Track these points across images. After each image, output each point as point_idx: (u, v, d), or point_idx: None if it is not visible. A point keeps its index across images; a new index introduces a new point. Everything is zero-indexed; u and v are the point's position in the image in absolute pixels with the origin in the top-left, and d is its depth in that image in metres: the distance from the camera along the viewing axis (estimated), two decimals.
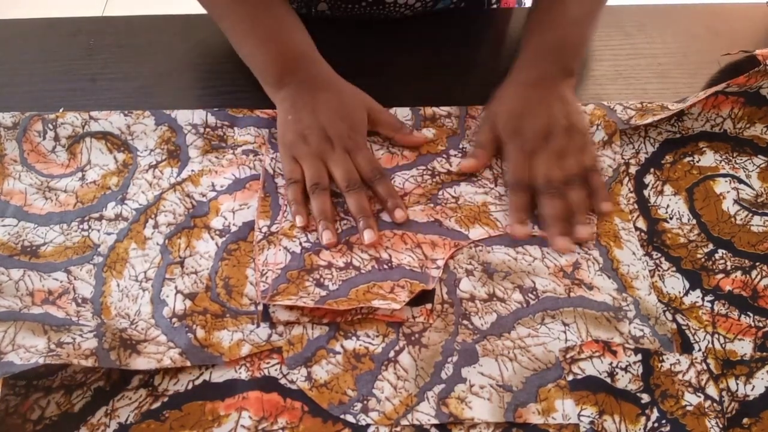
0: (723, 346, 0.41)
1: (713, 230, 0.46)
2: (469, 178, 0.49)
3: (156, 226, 0.46)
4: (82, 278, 0.43)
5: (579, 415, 0.37)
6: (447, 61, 0.57)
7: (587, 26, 0.52)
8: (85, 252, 0.44)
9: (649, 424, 0.37)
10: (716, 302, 0.43)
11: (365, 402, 0.38)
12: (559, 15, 0.51)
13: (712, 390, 0.38)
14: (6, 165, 0.49)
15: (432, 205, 0.47)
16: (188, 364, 0.39)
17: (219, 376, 0.39)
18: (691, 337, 0.41)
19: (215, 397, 0.38)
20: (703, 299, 0.43)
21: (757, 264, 0.44)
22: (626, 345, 0.40)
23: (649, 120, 0.49)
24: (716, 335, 0.41)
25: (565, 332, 0.41)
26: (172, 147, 0.50)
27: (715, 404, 0.38)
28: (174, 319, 0.41)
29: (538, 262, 0.44)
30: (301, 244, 0.45)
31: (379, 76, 0.55)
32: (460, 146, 0.50)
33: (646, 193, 0.48)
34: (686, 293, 0.43)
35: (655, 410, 0.38)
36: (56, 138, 0.50)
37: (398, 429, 0.37)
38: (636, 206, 0.47)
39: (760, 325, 0.42)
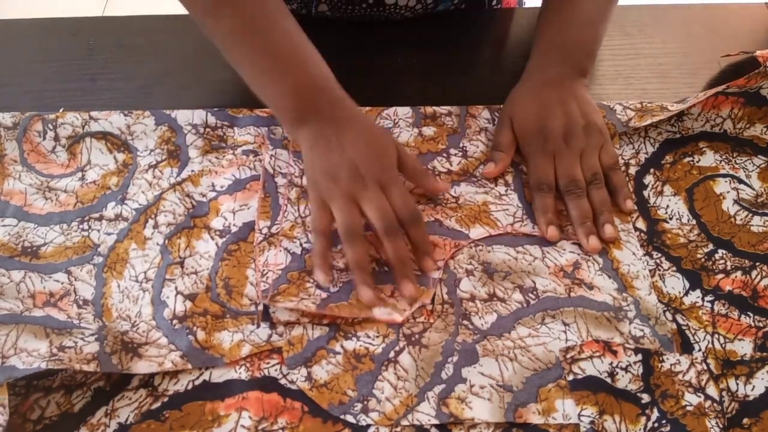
0: (723, 346, 0.41)
1: (713, 230, 0.46)
2: (470, 177, 0.49)
3: (156, 226, 0.46)
4: (82, 279, 0.43)
5: (579, 415, 0.37)
6: (447, 61, 0.57)
7: (599, 25, 0.52)
8: (85, 252, 0.44)
9: (650, 424, 0.37)
10: (716, 302, 0.43)
11: (365, 402, 0.38)
12: (571, 15, 0.52)
13: (712, 390, 0.38)
14: (6, 165, 0.49)
15: (432, 204, 0.47)
16: (189, 367, 0.39)
17: (219, 376, 0.39)
18: (691, 337, 0.41)
19: (215, 398, 0.38)
20: (703, 299, 0.43)
21: (757, 264, 0.44)
22: (626, 345, 0.40)
23: (648, 122, 0.49)
24: (716, 335, 0.41)
25: (565, 332, 0.41)
26: (172, 147, 0.50)
27: (715, 404, 0.38)
28: (175, 321, 0.41)
29: (539, 262, 0.44)
30: (301, 245, 0.45)
31: (379, 76, 0.55)
32: (461, 145, 0.50)
33: (645, 193, 0.48)
34: (686, 293, 0.43)
35: (655, 410, 0.38)
36: (56, 138, 0.50)
37: (398, 429, 0.37)
38: (635, 207, 0.47)
39: (760, 325, 0.42)
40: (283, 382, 0.39)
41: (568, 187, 0.46)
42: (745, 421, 0.38)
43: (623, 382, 0.38)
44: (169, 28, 0.59)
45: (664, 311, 0.42)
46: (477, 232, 0.45)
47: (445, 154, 0.50)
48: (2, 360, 0.39)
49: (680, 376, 0.39)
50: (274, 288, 0.42)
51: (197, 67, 0.56)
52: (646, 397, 0.38)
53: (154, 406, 0.38)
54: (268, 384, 0.39)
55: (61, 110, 0.52)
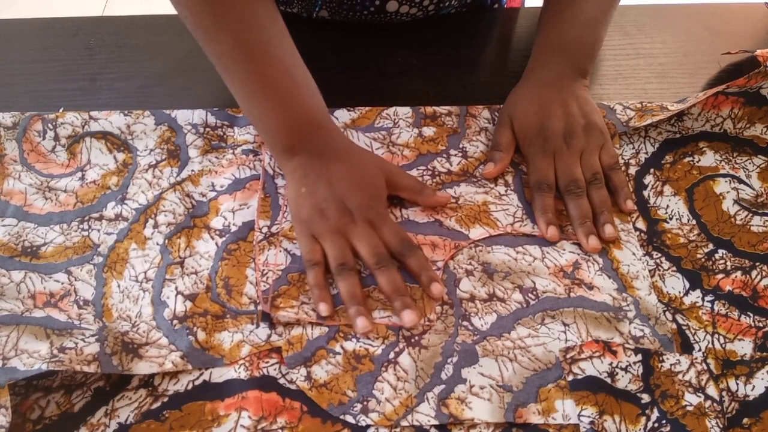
0: (723, 346, 0.41)
1: (713, 230, 0.46)
2: (470, 177, 0.49)
3: (156, 225, 0.46)
4: (82, 279, 0.43)
5: (579, 416, 0.37)
6: (447, 61, 0.57)
7: (600, 26, 0.52)
8: (85, 252, 0.44)
9: (650, 425, 0.37)
10: (716, 302, 0.43)
11: (365, 403, 0.38)
12: (571, 15, 0.52)
13: (712, 390, 0.38)
14: (6, 165, 0.49)
15: None
16: (189, 367, 0.39)
17: (219, 376, 0.39)
18: (691, 337, 0.41)
19: (215, 397, 0.38)
20: (703, 299, 0.43)
21: (757, 264, 0.44)
22: (626, 345, 0.40)
23: (648, 122, 0.49)
24: (716, 335, 0.41)
25: (565, 332, 0.41)
26: (172, 147, 0.50)
27: (715, 404, 0.38)
28: (175, 321, 0.41)
29: (538, 262, 0.44)
30: None
31: (379, 76, 0.55)
32: (461, 145, 0.50)
33: (645, 193, 0.48)
34: (686, 293, 0.43)
35: (655, 410, 0.38)
36: (56, 138, 0.50)
37: (398, 430, 0.37)
38: (635, 207, 0.47)
39: (760, 325, 0.41)
40: (282, 381, 0.39)
41: (568, 186, 0.46)
42: (745, 421, 0.38)
43: (623, 382, 0.38)
44: (169, 28, 0.59)
45: (664, 311, 0.42)
46: (477, 232, 0.45)
47: (445, 155, 0.50)
48: (3, 362, 0.39)
49: (680, 376, 0.39)
50: (274, 289, 0.42)
51: (197, 67, 0.56)
52: (646, 397, 0.38)
53: (154, 406, 0.38)
54: (267, 383, 0.39)
55: (61, 110, 0.52)
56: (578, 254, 0.45)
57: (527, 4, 0.71)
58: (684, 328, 0.41)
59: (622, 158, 0.50)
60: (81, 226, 0.46)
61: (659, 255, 0.45)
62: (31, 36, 0.59)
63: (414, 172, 0.49)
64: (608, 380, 0.38)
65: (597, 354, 0.39)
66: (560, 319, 0.42)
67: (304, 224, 0.44)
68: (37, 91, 0.54)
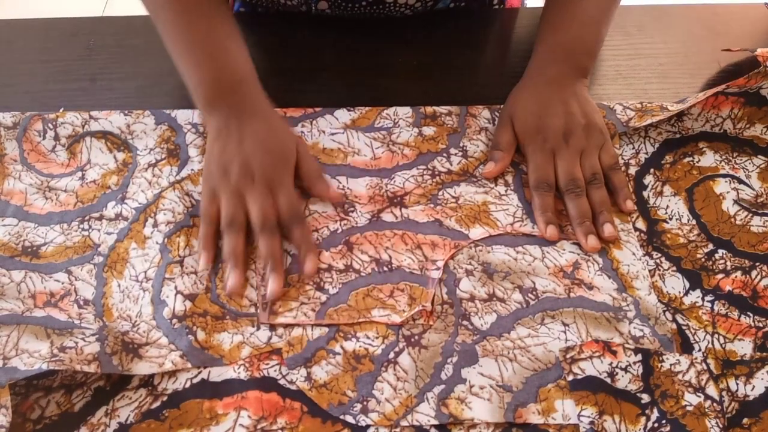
0: (723, 346, 0.41)
1: (713, 230, 0.46)
2: (470, 177, 0.49)
3: (155, 224, 0.46)
4: (83, 279, 0.43)
5: (579, 416, 0.37)
6: (447, 61, 0.57)
7: (601, 26, 0.52)
8: (85, 252, 0.44)
9: (649, 425, 0.37)
10: (716, 302, 0.43)
11: (365, 403, 0.38)
12: (572, 14, 0.52)
13: (712, 390, 0.38)
14: (6, 165, 0.49)
15: (432, 205, 0.47)
16: (189, 366, 0.39)
17: (218, 375, 0.39)
18: (691, 337, 0.41)
19: (213, 396, 0.38)
20: (703, 299, 0.43)
21: (757, 264, 0.44)
22: (626, 345, 0.40)
23: (648, 122, 0.49)
24: (716, 335, 0.41)
25: (565, 332, 0.41)
26: (172, 146, 0.50)
27: (715, 404, 0.38)
28: (174, 320, 0.41)
29: (538, 262, 0.44)
30: None
31: (379, 76, 0.55)
32: (461, 144, 0.50)
33: (645, 193, 0.48)
34: (686, 293, 0.43)
35: (655, 410, 0.38)
36: (56, 138, 0.50)
37: (398, 430, 0.37)
38: (635, 207, 0.47)
39: (760, 325, 0.42)
40: (282, 382, 0.39)
41: (567, 186, 0.46)
42: (745, 421, 0.38)
43: (623, 382, 0.38)
44: None
45: (664, 311, 0.42)
46: (477, 232, 0.45)
47: (445, 154, 0.50)
48: (4, 361, 0.39)
49: (680, 376, 0.39)
50: None
51: None
52: (645, 397, 0.38)
53: (154, 406, 0.38)
54: (267, 384, 0.39)
55: (61, 110, 0.52)
56: (578, 254, 0.45)
57: (528, 4, 0.71)
58: (684, 328, 0.41)
59: (622, 158, 0.50)
60: (81, 226, 0.46)
61: (659, 255, 0.45)
62: (31, 36, 0.59)
63: (414, 172, 0.49)
64: (608, 380, 0.39)
65: (597, 354, 0.40)
66: (560, 319, 0.42)
67: (208, 179, 0.45)
68: (37, 91, 0.54)
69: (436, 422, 0.37)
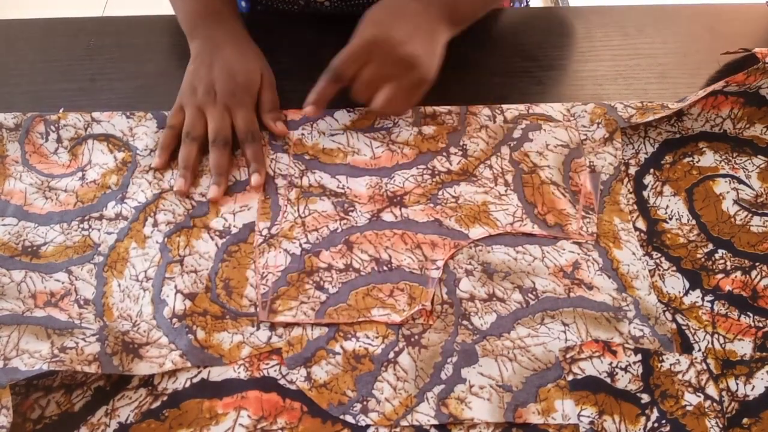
0: (723, 346, 0.41)
1: (713, 230, 0.46)
2: (469, 177, 0.49)
3: (155, 224, 0.46)
4: (83, 279, 0.43)
5: (579, 415, 0.37)
6: (447, 61, 0.57)
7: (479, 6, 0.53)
8: (85, 251, 0.45)
9: (649, 424, 0.37)
10: (716, 302, 0.43)
11: (365, 403, 0.38)
12: None
13: (712, 390, 0.38)
14: (7, 165, 0.49)
15: (432, 204, 0.47)
16: (189, 365, 0.39)
17: (218, 375, 0.39)
18: (691, 337, 0.41)
19: (213, 396, 0.38)
20: (702, 299, 0.43)
21: (757, 264, 0.44)
22: (626, 345, 0.40)
23: (650, 118, 0.49)
24: (716, 335, 0.41)
25: (564, 332, 0.41)
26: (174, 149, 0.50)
27: (715, 404, 0.38)
28: (174, 320, 0.41)
29: (538, 262, 0.44)
30: (300, 245, 0.45)
31: None
32: (461, 143, 0.50)
33: (645, 194, 0.48)
34: (686, 293, 0.43)
35: (655, 410, 0.38)
36: (59, 140, 0.50)
37: (398, 430, 0.37)
38: (635, 207, 0.47)
39: (760, 325, 0.42)
40: (282, 382, 0.39)
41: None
42: (745, 421, 0.38)
43: (623, 382, 0.38)
44: (169, 28, 0.59)
45: (664, 311, 0.42)
46: (476, 232, 0.46)
47: (444, 153, 0.50)
48: (4, 362, 0.39)
49: (680, 376, 0.39)
50: (273, 290, 0.42)
51: None
52: (645, 397, 0.38)
53: (154, 405, 0.38)
54: (267, 384, 0.39)
55: (61, 110, 0.52)
56: (578, 254, 0.45)
57: (532, 4, 0.71)
58: (684, 328, 0.41)
59: (622, 158, 0.50)
60: (81, 226, 0.46)
61: (659, 255, 0.45)
62: (31, 36, 0.59)
63: (414, 171, 0.49)
64: (608, 380, 0.39)
65: (597, 354, 0.40)
66: (560, 319, 0.42)
67: (179, 96, 0.51)
68: (37, 92, 0.54)
69: (435, 422, 0.37)
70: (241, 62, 0.51)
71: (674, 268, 0.44)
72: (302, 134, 0.50)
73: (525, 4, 0.73)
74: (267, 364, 0.40)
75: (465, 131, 0.51)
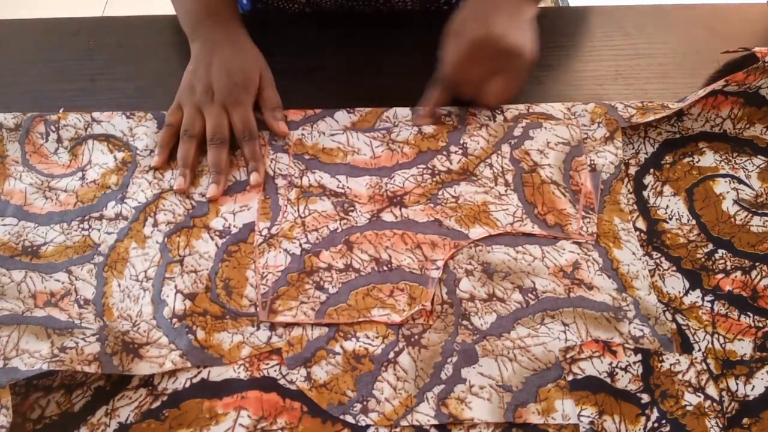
0: (723, 346, 0.41)
1: (713, 230, 0.46)
2: (470, 177, 0.49)
3: (155, 224, 0.46)
4: (83, 278, 0.43)
5: (579, 415, 0.37)
6: None
7: None
8: (85, 251, 0.45)
9: (649, 424, 0.37)
10: (716, 302, 0.43)
11: (365, 403, 0.38)
12: None
13: (712, 390, 0.38)
14: (7, 166, 0.49)
15: (432, 204, 0.47)
16: (189, 365, 0.39)
17: (217, 375, 0.39)
18: (691, 337, 0.41)
19: (213, 396, 0.38)
20: (703, 299, 0.43)
21: (757, 264, 0.44)
22: (626, 345, 0.40)
23: (651, 118, 0.49)
24: (716, 335, 0.41)
25: (564, 332, 0.41)
26: (173, 148, 0.50)
27: (715, 404, 0.38)
28: (174, 320, 0.41)
29: (538, 262, 0.44)
30: (300, 245, 0.45)
31: (379, 76, 0.55)
32: (461, 141, 0.50)
33: (645, 194, 0.48)
34: (686, 293, 0.43)
35: (655, 410, 0.38)
36: (59, 140, 0.50)
37: (398, 430, 0.37)
38: (635, 207, 0.47)
39: (760, 325, 0.42)
40: (282, 382, 0.39)
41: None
42: (745, 421, 0.38)
43: (623, 382, 0.38)
44: (169, 28, 0.59)
45: (664, 311, 0.42)
46: (477, 232, 0.45)
47: (445, 152, 0.50)
48: (4, 362, 0.39)
49: (680, 376, 0.39)
50: (273, 291, 0.42)
51: None
52: (645, 397, 0.38)
53: (154, 405, 0.38)
54: (267, 384, 0.39)
55: (61, 110, 0.52)
56: (578, 254, 0.45)
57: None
58: (684, 328, 0.41)
59: (623, 158, 0.50)
60: (81, 226, 0.46)
61: (659, 255, 0.45)
62: (31, 36, 0.59)
63: (414, 171, 0.49)
64: (608, 380, 0.39)
65: (597, 354, 0.40)
66: (560, 319, 0.42)
67: (178, 95, 0.51)
68: (37, 92, 0.54)
69: (435, 422, 0.37)
70: (239, 62, 0.52)
71: (674, 268, 0.44)
72: (302, 134, 0.50)
73: None
74: (267, 364, 0.40)
75: (465, 129, 0.51)
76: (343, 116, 0.52)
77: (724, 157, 0.50)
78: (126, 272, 0.44)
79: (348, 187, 0.48)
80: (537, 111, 0.52)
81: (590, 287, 0.43)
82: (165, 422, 0.37)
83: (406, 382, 0.39)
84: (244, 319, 0.41)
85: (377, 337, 0.41)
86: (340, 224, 0.46)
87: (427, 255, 0.44)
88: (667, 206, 0.47)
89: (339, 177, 0.48)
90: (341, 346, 0.40)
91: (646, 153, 0.50)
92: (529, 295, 0.43)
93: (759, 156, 0.50)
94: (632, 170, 0.49)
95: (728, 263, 0.44)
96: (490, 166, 0.49)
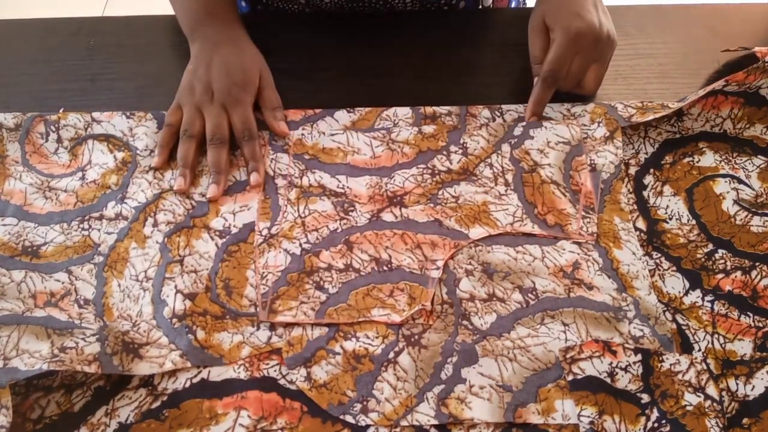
0: (723, 346, 0.41)
1: (713, 230, 0.46)
2: (470, 177, 0.49)
3: (155, 224, 0.46)
4: (83, 279, 0.43)
5: (579, 415, 0.37)
6: (447, 61, 0.57)
7: None
8: (85, 251, 0.45)
9: (649, 424, 0.37)
10: (716, 302, 0.43)
11: (365, 403, 0.38)
12: None
13: (712, 390, 0.38)
14: (7, 166, 0.49)
15: (432, 204, 0.47)
16: (189, 365, 0.39)
17: (217, 375, 0.39)
18: (691, 337, 0.41)
19: (213, 396, 0.38)
20: (703, 299, 0.43)
21: (757, 264, 0.44)
22: (626, 345, 0.40)
23: (650, 117, 0.49)
24: (716, 335, 0.41)
25: (564, 332, 0.41)
26: (173, 148, 0.50)
27: (715, 404, 0.38)
28: (174, 320, 0.41)
29: (538, 262, 0.44)
30: (300, 245, 0.45)
31: (379, 76, 0.55)
32: (461, 141, 0.50)
33: (645, 194, 0.48)
34: (686, 293, 0.43)
35: (655, 410, 0.38)
36: (59, 140, 0.50)
37: (398, 430, 0.37)
38: (635, 207, 0.47)
39: (760, 325, 0.42)
40: (282, 382, 0.39)
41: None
42: (745, 421, 0.38)
43: (623, 382, 0.38)
44: (169, 28, 0.59)
45: (664, 311, 0.42)
46: (477, 232, 0.45)
47: (445, 152, 0.50)
48: (4, 362, 0.39)
49: (680, 376, 0.39)
50: (273, 291, 0.42)
51: None
52: (645, 397, 0.38)
53: (154, 406, 0.38)
54: (267, 384, 0.39)
55: (61, 110, 0.52)
56: (578, 254, 0.45)
57: (530, 4, 0.71)
58: (684, 328, 0.41)
59: (623, 157, 0.50)
60: (81, 226, 0.46)
61: (659, 255, 0.45)
62: (31, 36, 0.59)
63: (414, 171, 0.49)
64: (608, 380, 0.39)
65: (597, 354, 0.40)
66: (560, 319, 0.42)
67: (178, 95, 0.51)
68: (37, 92, 0.54)
69: (436, 422, 0.37)
70: (238, 62, 0.52)
71: (674, 268, 0.44)
72: (302, 134, 0.50)
73: (523, 4, 0.73)
74: (267, 364, 0.40)
75: (465, 129, 0.51)
76: (343, 116, 0.52)
77: (724, 157, 0.50)
78: (126, 272, 0.44)
79: (348, 187, 0.48)
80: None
81: (590, 287, 0.43)
82: (165, 422, 0.37)
83: (406, 382, 0.39)
84: (244, 319, 0.41)
85: (377, 337, 0.41)
86: (340, 224, 0.46)
87: (427, 255, 0.44)
88: (667, 206, 0.47)
89: (339, 177, 0.48)
90: (341, 346, 0.40)
91: (646, 153, 0.50)
92: (529, 295, 0.43)
93: (759, 156, 0.50)
94: (632, 170, 0.49)
95: (728, 263, 0.44)
96: (490, 165, 0.49)
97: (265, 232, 0.45)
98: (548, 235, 0.45)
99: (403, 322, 0.41)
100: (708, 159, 0.50)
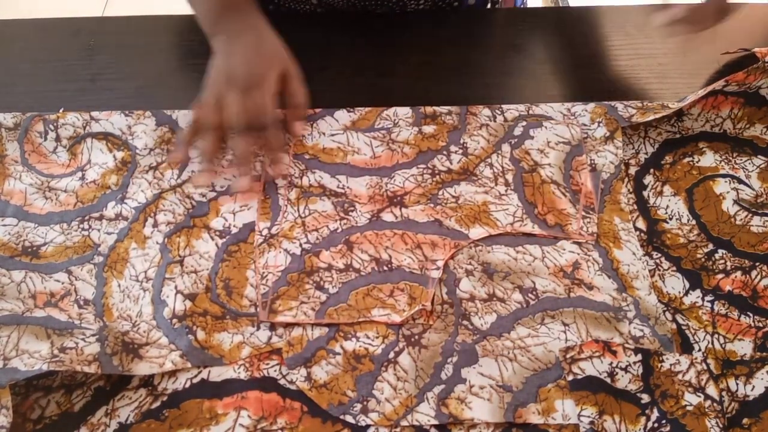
0: (723, 346, 0.41)
1: (713, 230, 0.46)
2: (470, 177, 0.49)
3: (155, 224, 0.46)
4: (83, 279, 0.43)
5: (579, 416, 0.37)
6: (447, 61, 0.57)
7: None
8: (85, 252, 0.45)
9: (649, 424, 0.37)
10: (716, 302, 0.43)
11: (365, 403, 0.38)
12: None
13: (712, 390, 0.38)
14: (7, 165, 0.49)
15: (432, 204, 0.47)
16: (189, 365, 0.39)
17: (217, 375, 0.39)
18: (691, 337, 0.41)
19: (213, 396, 0.38)
20: (703, 299, 0.43)
21: (757, 264, 0.44)
22: (626, 345, 0.40)
23: (651, 117, 0.49)
24: (716, 335, 0.41)
25: (565, 332, 0.41)
26: (173, 148, 0.50)
27: (715, 404, 0.38)
28: (174, 320, 0.41)
29: (538, 262, 0.44)
30: (301, 245, 0.45)
31: (379, 76, 0.55)
32: (461, 141, 0.50)
33: (645, 194, 0.48)
34: (686, 293, 0.43)
35: (655, 410, 0.38)
36: (57, 139, 0.50)
37: (398, 430, 0.37)
38: (635, 207, 0.47)
39: (760, 325, 0.42)
40: (282, 382, 0.39)
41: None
42: (745, 421, 0.38)
43: (623, 382, 0.38)
44: (169, 28, 0.59)
45: (664, 311, 0.42)
46: (477, 232, 0.45)
47: (445, 152, 0.50)
48: (4, 362, 0.39)
49: (680, 376, 0.39)
50: (273, 291, 0.42)
51: (197, 67, 0.56)
52: (645, 397, 0.38)
53: (154, 406, 0.38)
54: (267, 384, 0.39)
55: (61, 110, 0.52)
56: (578, 254, 0.45)
57: (529, 4, 0.71)
58: (684, 328, 0.41)
59: (623, 157, 0.50)
60: (81, 226, 0.46)
61: (659, 255, 0.45)
62: (31, 36, 0.59)
63: (414, 171, 0.49)
64: (608, 380, 0.39)
65: (597, 354, 0.40)
66: (560, 319, 0.42)
67: (203, 89, 0.50)
68: (37, 92, 0.54)
69: (436, 422, 0.37)
70: (259, 50, 0.50)
71: (674, 268, 0.44)
72: (302, 134, 0.50)
73: (523, 3, 0.73)
74: (267, 364, 0.40)
75: (465, 129, 0.51)
76: (343, 115, 0.52)
77: (724, 157, 0.50)
78: (126, 272, 0.44)
79: (348, 187, 0.48)
80: (537, 112, 0.52)
81: (590, 287, 0.43)
82: (165, 422, 0.37)
83: (406, 382, 0.39)
84: (244, 319, 0.41)
85: (377, 337, 0.41)
86: (340, 224, 0.46)
87: (427, 255, 0.44)
88: (667, 206, 0.47)
89: (339, 177, 0.48)
90: (341, 346, 0.40)
91: (646, 153, 0.50)
92: (529, 295, 0.43)
93: (759, 156, 0.50)
94: (632, 170, 0.49)
95: (728, 263, 0.44)
96: (491, 165, 0.49)
97: (265, 232, 0.45)
98: (548, 235, 0.45)
99: (403, 322, 0.41)
100: (708, 159, 0.50)
